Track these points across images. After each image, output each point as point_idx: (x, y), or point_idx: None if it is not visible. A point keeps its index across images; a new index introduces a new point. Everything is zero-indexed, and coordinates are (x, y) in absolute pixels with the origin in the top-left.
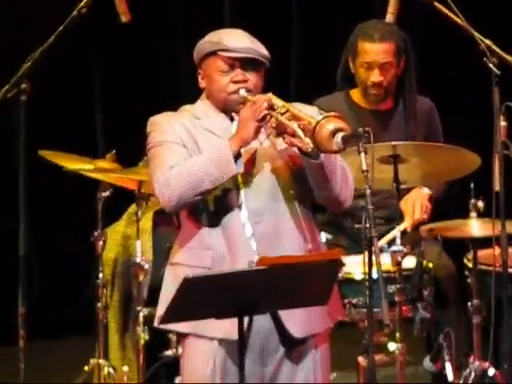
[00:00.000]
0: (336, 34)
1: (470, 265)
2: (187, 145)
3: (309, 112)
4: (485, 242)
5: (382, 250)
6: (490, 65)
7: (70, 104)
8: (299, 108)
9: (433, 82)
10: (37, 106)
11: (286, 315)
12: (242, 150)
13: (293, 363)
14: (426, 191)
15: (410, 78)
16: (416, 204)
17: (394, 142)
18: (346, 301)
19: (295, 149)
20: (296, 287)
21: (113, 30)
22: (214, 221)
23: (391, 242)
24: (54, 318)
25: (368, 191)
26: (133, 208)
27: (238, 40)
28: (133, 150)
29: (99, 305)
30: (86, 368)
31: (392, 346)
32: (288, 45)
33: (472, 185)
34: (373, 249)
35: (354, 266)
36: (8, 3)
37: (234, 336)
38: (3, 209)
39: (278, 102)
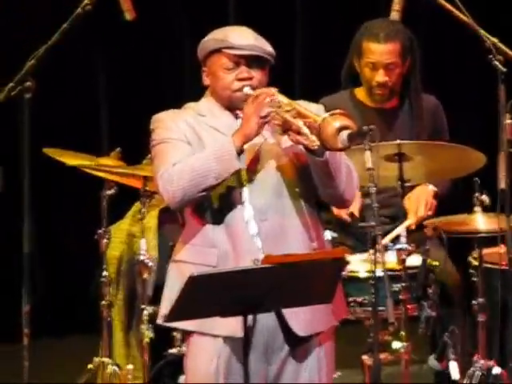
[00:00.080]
0: (340, 31)
1: (476, 263)
2: (191, 142)
3: (314, 109)
4: (490, 240)
5: (386, 249)
6: (496, 62)
7: (75, 102)
8: (304, 106)
9: (438, 79)
10: (41, 104)
11: (289, 313)
12: (246, 147)
13: (297, 362)
14: (431, 188)
15: (416, 76)
16: (420, 201)
17: (399, 141)
18: (351, 299)
19: (300, 146)
20: (301, 285)
21: (117, 28)
22: (218, 218)
23: (395, 240)
24: (58, 316)
25: (373, 189)
26: (137, 206)
27: (242, 37)
28: (137, 148)
29: (103, 303)
30: (90, 366)
31: (397, 345)
32: (292, 42)
33: (477, 179)
34: (378, 247)
35: (358, 264)
36: (10, 2)
37: (239, 334)
38: (7, 207)
39: (283, 100)
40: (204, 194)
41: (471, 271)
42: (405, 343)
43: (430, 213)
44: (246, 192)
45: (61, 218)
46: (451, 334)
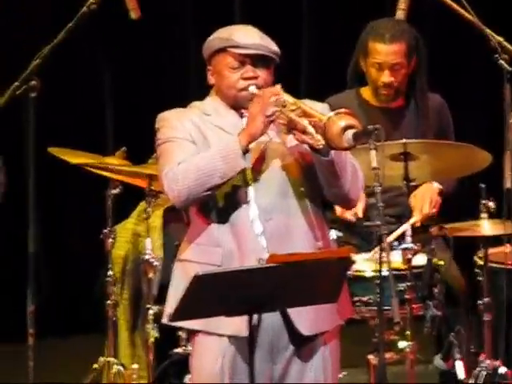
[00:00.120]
0: (346, 30)
1: (481, 262)
2: (197, 141)
3: (319, 108)
4: (496, 240)
5: (392, 248)
6: (502, 61)
7: (80, 101)
8: (309, 105)
9: (444, 78)
10: (46, 103)
11: (294, 313)
12: (252, 146)
13: (302, 361)
14: (436, 185)
15: (422, 76)
16: (425, 198)
17: (404, 140)
18: (356, 299)
19: (305, 145)
20: (306, 285)
21: (122, 27)
22: (223, 217)
23: (400, 239)
24: (62, 315)
25: (378, 188)
26: (142, 205)
27: (248, 36)
28: (142, 148)
29: (109, 302)
30: (95, 366)
31: (402, 344)
32: (298, 41)
33: (483, 185)
34: (383, 246)
35: (364, 263)
36: (10, 2)
37: (243, 333)
38: (12, 207)
39: (288, 99)
40: (209, 193)
41: (477, 271)
42: (410, 343)
43: (434, 210)
44: (251, 191)
45: (66, 218)
46: (457, 334)
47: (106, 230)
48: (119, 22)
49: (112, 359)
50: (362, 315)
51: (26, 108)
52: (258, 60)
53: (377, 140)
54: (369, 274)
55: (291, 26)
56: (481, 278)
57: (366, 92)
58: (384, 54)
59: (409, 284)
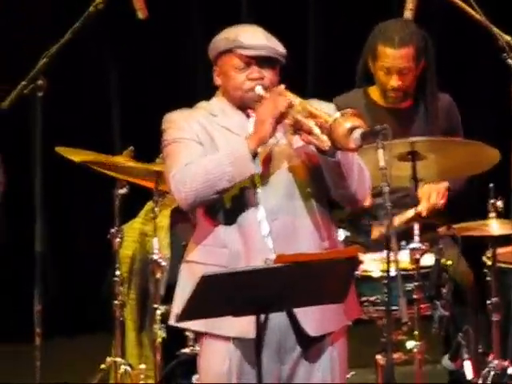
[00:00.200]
0: (353, 30)
1: (489, 262)
2: (203, 142)
3: (325, 109)
4: (504, 240)
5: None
6: (510, 61)
7: (87, 101)
8: (315, 105)
9: (452, 77)
10: (53, 102)
11: (301, 314)
12: (259, 149)
13: (310, 362)
14: (444, 183)
15: (432, 78)
16: (432, 190)
17: (411, 138)
18: (364, 299)
19: (312, 146)
20: (313, 285)
21: (129, 27)
22: (231, 219)
23: (408, 241)
24: (69, 315)
25: (386, 188)
26: (150, 205)
27: (254, 37)
28: (150, 147)
29: (116, 302)
30: (102, 366)
31: (410, 344)
32: (305, 42)
33: (491, 185)
34: (391, 246)
35: (372, 263)
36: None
37: (250, 334)
38: (19, 206)
39: (294, 100)
40: (217, 196)
41: (485, 271)
42: (418, 343)
43: (442, 201)
44: (259, 193)
45: (73, 218)
46: (465, 334)
47: (113, 230)
48: (126, 21)
49: (119, 359)
50: (369, 315)
51: (33, 107)
52: (264, 61)
53: (384, 139)
54: (376, 273)
55: (298, 25)
56: (489, 278)
57: (373, 92)
58: (392, 58)
59: (417, 284)
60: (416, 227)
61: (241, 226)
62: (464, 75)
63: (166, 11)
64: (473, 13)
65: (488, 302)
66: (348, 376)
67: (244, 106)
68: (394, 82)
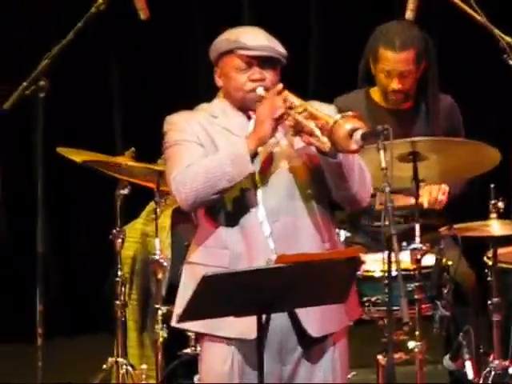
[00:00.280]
0: (354, 31)
1: (490, 263)
2: (204, 144)
3: (326, 110)
4: (505, 240)
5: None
6: (511, 62)
7: (88, 101)
8: (316, 106)
9: (454, 77)
10: (55, 103)
11: (302, 314)
12: (260, 149)
13: (311, 363)
14: (444, 186)
15: (433, 78)
16: (433, 188)
17: (413, 138)
18: (365, 299)
19: (313, 148)
20: (315, 285)
21: (131, 27)
22: (232, 220)
23: (409, 239)
24: (71, 315)
25: (388, 188)
26: (151, 206)
27: (255, 38)
28: (151, 148)
29: (118, 303)
30: (104, 366)
31: (411, 345)
32: (306, 43)
33: (492, 186)
34: (392, 247)
35: (373, 263)
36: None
37: (251, 335)
38: (21, 206)
39: (295, 101)
40: (217, 196)
41: (486, 271)
42: (419, 343)
43: (443, 197)
44: (259, 194)
45: (74, 218)
46: (466, 334)
47: (114, 231)
48: (128, 22)
49: (121, 359)
50: (371, 315)
51: (35, 108)
52: (265, 62)
53: (385, 139)
54: (378, 274)
55: (299, 26)
56: (490, 278)
57: (375, 93)
58: (393, 61)
59: (418, 284)
60: (417, 228)
61: (242, 227)
62: (465, 75)
63: (168, 12)
64: (474, 14)
65: (489, 302)
66: (349, 376)
67: (245, 107)
68: (395, 84)
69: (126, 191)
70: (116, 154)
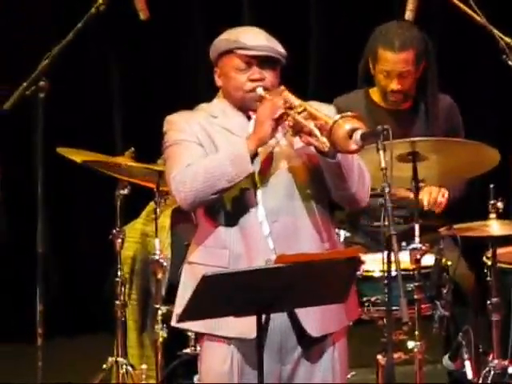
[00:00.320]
0: (354, 31)
1: (490, 263)
2: (204, 144)
3: (325, 111)
4: (504, 241)
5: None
6: (510, 62)
7: (88, 102)
8: (316, 106)
9: (453, 77)
10: (55, 103)
11: (302, 314)
12: (259, 149)
13: (310, 362)
14: (443, 189)
15: (432, 79)
16: (433, 189)
17: (412, 139)
18: (365, 299)
19: (312, 148)
20: (314, 285)
21: (131, 27)
22: (231, 219)
23: (409, 239)
24: (71, 315)
25: (387, 189)
26: (151, 206)
27: (254, 38)
28: (151, 148)
29: (117, 303)
30: (104, 366)
31: (411, 344)
32: (306, 43)
33: (492, 186)
34: (392, 247)
35: (372, 263)
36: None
37: (250, 335)
38: (21, 206)
39: (294, 101)
40: (216, 196)
41: (485, 271)
42: (418, 343)
43: (443, 199)
44: (259, 194)
45: (74, 218)
46: (465, 334)
47: (114, 231)
48: (128, 22)
49: (121, 359)
50: (370, 315)
51: (35, 108)
52: (265, 61)
53: (385, 139)
54: (378, 274)
55: (299, 26)
56: (489, 278)
57: (374, 93)
58: (392, 62)
59: (417, 284)
60: (416, 228)
61: (242, 226)
62: (465, 75)
63: (168, 12)
64: (473, 15)
65: (488, 302)
66: (349, 376)
67: (245, 107)
68: (394, 85)
69: (125, 191)
70: (116, 154)
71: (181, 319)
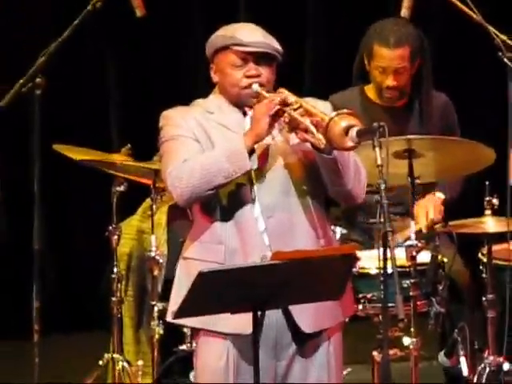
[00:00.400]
0: (350, 28)
1: (485, 259)
2: (200, 139)
3: (321, 108)
4: (500, 237)
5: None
6: (505, 60)
7: (85, 99)
8: (312, 103)
9: (452, 77)
10: (51, 100)
11: (296, 310)
12: (256, 146)
13: (306, 358)
14: (438, 195)
15: (427, 76)
16: (429, 206)
17: (408, 136)
18: (361, 295)
19: (308, 144)
20: (310, 282)
21: (127, 24)
22: (227, 215)
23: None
24: (67, 312)
25: (383, 185)
26: (147, 202)
27: (251, 34)
28: (147, 145)
29: (114, 299)
30: (100, 362)
31: (406, 341)
32: (302, 40)
33: (487, 183)
34: (387, 243)
35: (368, 260)
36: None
37: (245, 331)
38: (17, 204)
39: (291, 98)
40: (212, 192)
41: (481, 268)
42: (414, 339)
43: (439, 216)
44: (255, 190)
45: (71, 215)
46: (461, 331)
47: (111, 228)
48: (124, 19)
49: (117, 356)
50: (366, 312)
51: (32, 105)
52: (261, 58)
53: (381, 136)
54: (373, 270)
55: (295, 23)
56: (485, 275)
57: (370, 90)
58: (388, 58)
59: (413, 281)
60: (412, 225)
61: (237, 222)
62: (464, 75)
63: (167, 10)
64: (469, 12)
65: (484, 298)
66: (344, 372)
67: (241, 103)
68: (390, 81)
69: (122, 188)
70: (112, 151)
71: (176, 316)
